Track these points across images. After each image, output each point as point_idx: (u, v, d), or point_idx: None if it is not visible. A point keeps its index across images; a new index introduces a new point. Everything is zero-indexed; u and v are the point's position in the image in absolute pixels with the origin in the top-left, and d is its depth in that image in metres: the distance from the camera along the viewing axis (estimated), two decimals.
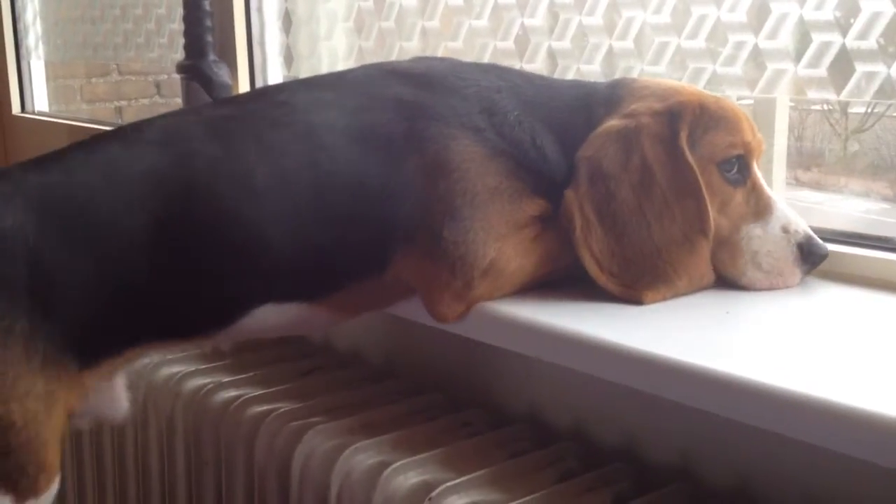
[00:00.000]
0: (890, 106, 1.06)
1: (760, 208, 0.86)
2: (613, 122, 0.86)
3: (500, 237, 0.83)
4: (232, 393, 1.08)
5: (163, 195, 0.81)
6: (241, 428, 1.03)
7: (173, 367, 1.16)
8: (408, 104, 0.86)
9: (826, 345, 0.74)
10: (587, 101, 0.90)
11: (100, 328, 0.80)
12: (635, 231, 0.83)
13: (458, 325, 0.85)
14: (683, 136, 0.84)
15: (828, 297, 0.85)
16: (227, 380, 1.11)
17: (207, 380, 1.11)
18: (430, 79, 0.89)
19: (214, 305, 0.84)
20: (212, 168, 0.82)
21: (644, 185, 0.83)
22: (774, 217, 0.86)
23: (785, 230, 0.86)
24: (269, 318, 0.85)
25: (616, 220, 0.83)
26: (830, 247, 0.88)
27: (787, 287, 0.86)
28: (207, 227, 0.81)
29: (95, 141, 0.85)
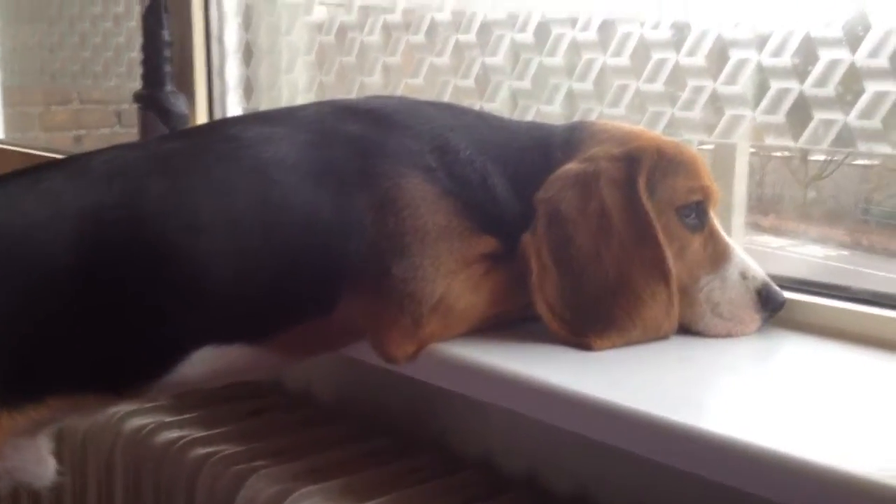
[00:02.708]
0: (849, 154, 1.07)
1: (718, 254, 0.86)
2: (572, 166, 0.86)
3: (449, 273, 0.82)
4: (174, 433, 1.05)
5: (104, 232, 0.78)
6: (182, 470, 1.00)
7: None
8: (359, 141, 0.85)
9: (783, 397, 0.73)
10: (544, 143, 0.90)
11: (23, 365, 0.76)
12: (592, 277, 0.82)
13: (409, 367, 0.83)
14: (642, 181, 0.84)
15: (785, 347, 0.84)
16: (169, 419, 1.08)
17: (148, 419, 1.08)
18: (383, 116, 0.88)
19: (151, 348, 0.80)
20: (157, 205, 0.80)
21: (602, 231, 0.83)
22: (732, 264, 0.86)
23: (743, 276, 0.85)
24: (209, 362, 0.81)
25: (573, 265, 0.82)
26: (787, 294, 0.87)
27: (745, 334, 0.85)
28: (149, 264, 0.79)
29: (40, 170, 0.83)
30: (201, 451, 1.00)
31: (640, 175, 0.84)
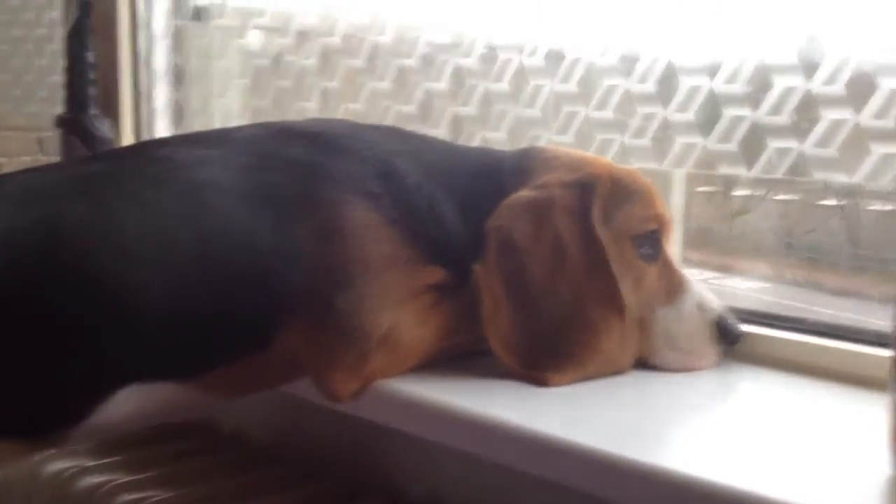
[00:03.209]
0: (770, 190, 1.08)
1: (674, 286, 0.85)
2: (524, 193, 0.84)
3: (396, 305, 0.79)
4: (97, 479, 1.00)
5: (17, 260, 0.73)
6: None
7: None
8: (300, 165, 0.82)
9: (741, 432, 0.72)
10: (494, 169, 0.88)
11: None
12: (547, 309, 0.80)
13: (352, 405, 0.80)
14: (596, 209, 0.82)
15: (742, 381, 0.83)
16: (91, 464, 1.03)
17: (69, 463, 1.03)
18: (325, 139, 0.85)
19: (70, 388, 0.74)
20: (77, 230, 0.75)
21: (556, 260, 0.81)
22: (689, 295, 0.84)
23: (700, 308, 0.84)
24: (135, 403, 0.76)
25: (526, 296, 0.80)
26: (744, 327, 0.85)
27: (702, 368, 0.83)
28: (68, 295, 0.74)
29: None
30: (126, 497, 0.95)
31: (594, 203, 0.82)
